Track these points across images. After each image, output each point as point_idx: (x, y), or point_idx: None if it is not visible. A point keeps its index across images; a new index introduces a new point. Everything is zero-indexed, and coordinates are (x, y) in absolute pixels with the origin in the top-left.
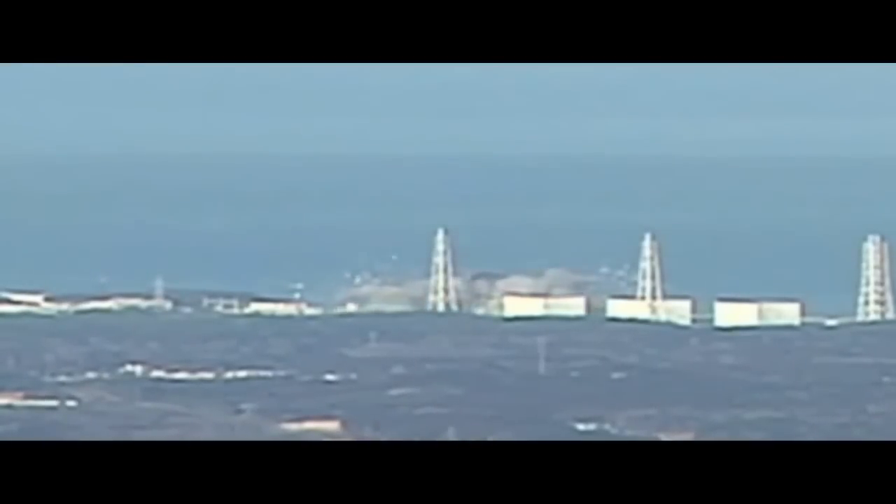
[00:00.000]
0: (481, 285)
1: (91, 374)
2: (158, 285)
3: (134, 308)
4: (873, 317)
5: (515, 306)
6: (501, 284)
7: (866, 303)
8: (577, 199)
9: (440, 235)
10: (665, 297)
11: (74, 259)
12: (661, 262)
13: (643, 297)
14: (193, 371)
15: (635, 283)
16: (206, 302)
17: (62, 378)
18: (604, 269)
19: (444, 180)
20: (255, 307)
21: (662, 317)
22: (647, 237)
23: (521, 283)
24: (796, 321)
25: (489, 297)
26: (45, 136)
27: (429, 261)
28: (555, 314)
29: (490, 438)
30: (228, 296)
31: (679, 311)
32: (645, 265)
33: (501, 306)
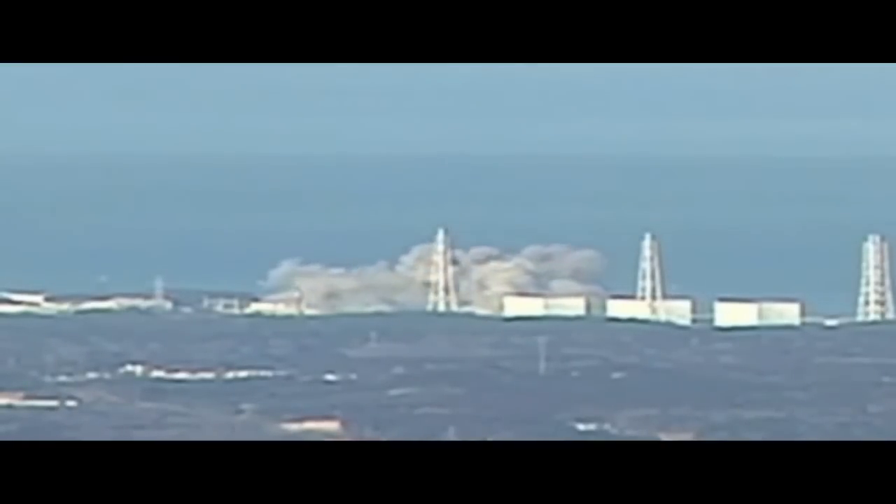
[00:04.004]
0: (472, 270)
1: (91, 374)
2: (158, 285)
3: (134, 308)
4: (873, 317)
5: (515, 306)
6: (495, 265)
7: (866, 303)
8: (577, 200)
9: (440, 235)
10: (665, 297)
11: (74, 259)
12: (661, 262)
13: (643, 297)
14: (194, 371)
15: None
16: (206, 302)
17: (62, 378)
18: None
19: (444, 180)
20: (255, 307)
21: (662, 317)
22: (647, 237)
23: (522, 264)
24: (796, 321)
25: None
26: (45, 135)
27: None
28: (555, 314)
29: (490, 438)
30: (228, 296)
31: (679, 311)
32: (645, 265)
33: (501, 305)
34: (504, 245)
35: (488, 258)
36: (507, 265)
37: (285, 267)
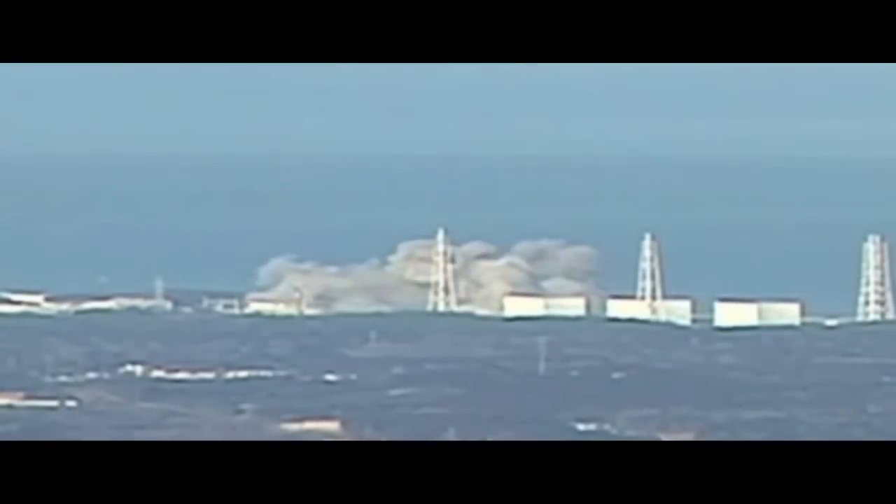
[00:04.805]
0: (469, 268)
1: (91, 374)
2: (158, 285)
3: (134, 308)
4: (873, 317)
5: (515, 306)
6: (488, 262)
7: (866, 303)
8: (576, 200)
9: (440, 235)
10: (665, 297)
11: (74, 259)
12: (661, 262)
13: (643, 297)
14: (194, 371)
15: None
16: (206, 302)
17: (62, 378)
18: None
19: (444, 180)
20: (255, 307)
21: (662, 317)
22: (647, 237)
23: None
24: (796, 321)
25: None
26: (46, 136)
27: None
28: (555, 314)
29: (490, 438)
30: (228, 296)
31: (679, 311)
32: (645, 265)
33: (501, 305)
34: (500, 243)
35: (482, 255)
36: (500, 263)
37: (278, 265)
